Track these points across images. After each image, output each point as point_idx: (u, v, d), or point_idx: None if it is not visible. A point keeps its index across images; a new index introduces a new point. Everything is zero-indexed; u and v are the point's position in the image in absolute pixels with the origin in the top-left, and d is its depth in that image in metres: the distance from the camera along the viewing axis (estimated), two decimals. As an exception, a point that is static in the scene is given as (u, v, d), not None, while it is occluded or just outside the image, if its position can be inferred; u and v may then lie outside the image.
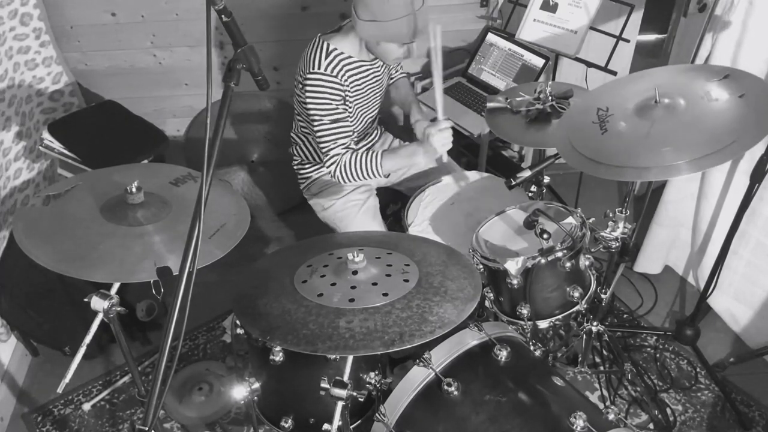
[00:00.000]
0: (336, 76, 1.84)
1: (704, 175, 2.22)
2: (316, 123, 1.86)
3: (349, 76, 1.89)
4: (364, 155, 1.88)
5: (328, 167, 1.91)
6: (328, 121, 1.85)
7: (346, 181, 1.92)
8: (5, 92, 2.36)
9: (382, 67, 2.03)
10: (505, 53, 2.59)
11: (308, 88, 1.83)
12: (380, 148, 2.28)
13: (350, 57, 1.88)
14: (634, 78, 1.67)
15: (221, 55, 2.82)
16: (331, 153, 1.88)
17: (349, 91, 1.90)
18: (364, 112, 2.06)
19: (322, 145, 1.89)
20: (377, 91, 2.06)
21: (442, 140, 1.80)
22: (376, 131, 2.26)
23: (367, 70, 1.96)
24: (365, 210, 2.07)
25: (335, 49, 1.86)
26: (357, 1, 1.74)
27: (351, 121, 1.96)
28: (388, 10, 1.69)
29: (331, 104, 1.84)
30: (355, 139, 2.09)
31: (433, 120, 1.86)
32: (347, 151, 1.88)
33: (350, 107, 1.94)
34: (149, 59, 2.86)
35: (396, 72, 2.25)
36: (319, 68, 1.83)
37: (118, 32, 2.76)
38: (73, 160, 2.41)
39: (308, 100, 1.84)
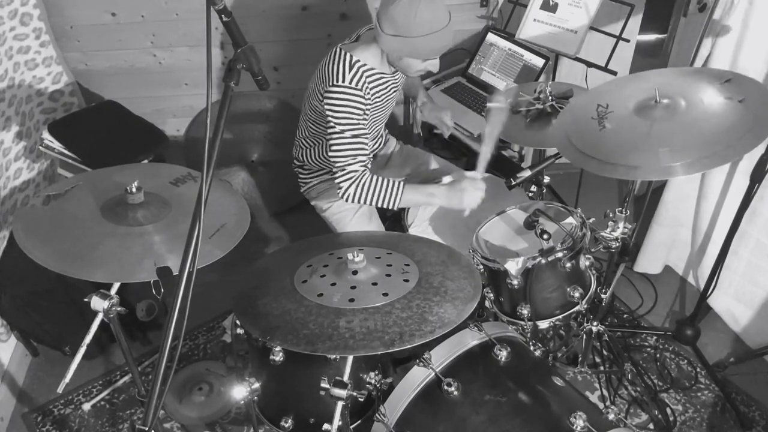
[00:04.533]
0: (360, 90, 1.80)
1: (704, 175, 2.22)
2: (335, 136, 1.80)
3: (372, 88, 1.85)
4: (387, 183, 1.81)
5: (340, 183, 1.82)
6: (349, 136, 1.80)
7: (356, 201, 1.83)
8: (5, 92, 2.36)
9: (400, 79, 2.00)
10: (505, 53, 2.59)
11: (331, 101, 1.79)
12: (384, 152, 2.27)
13: (372, 69, 1.84)
14: (635, 78, 1.67)
15: (221, 55, 2.82)
16: (348, 169, 1.80)
17: (370, 103, 1.86)
18: (377, 121, 2.04)
19: (338, 160, 1.81)
20: (393, 101, 2.04)
21: (473, 198, 1.77)
22: (381, 137, 2.25)
23: (387, 81, 1.92)
24: (360, 214, 2.07)
25: (358, 60, 1.81)
26: (382, 15, 1.71)
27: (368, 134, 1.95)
28: (414, 27, 1.66)
29: (353, 119, 1.80)
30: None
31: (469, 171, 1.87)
32: (366, 171, 1.81)
33: (368, 119, 1.91)
34: (149, 59, 2.86)
35: None
36: (343, 81, 1.78)
37: (118, 32, 2.76)
38: (73, 160, 2.40)
39: (329, 113, 1.80)
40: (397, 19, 1.66)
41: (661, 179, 2.40)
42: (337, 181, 1.83)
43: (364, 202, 1.84)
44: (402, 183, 1.82)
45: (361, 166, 1.82)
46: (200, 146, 0.98)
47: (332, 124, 1.80)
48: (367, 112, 1.85)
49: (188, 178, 1.61)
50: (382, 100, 1.94)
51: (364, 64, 1.82)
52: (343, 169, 1.81)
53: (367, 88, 1.82)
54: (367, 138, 1.84)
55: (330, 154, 1.83)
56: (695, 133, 1.40)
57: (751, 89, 1.44)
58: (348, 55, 1.82)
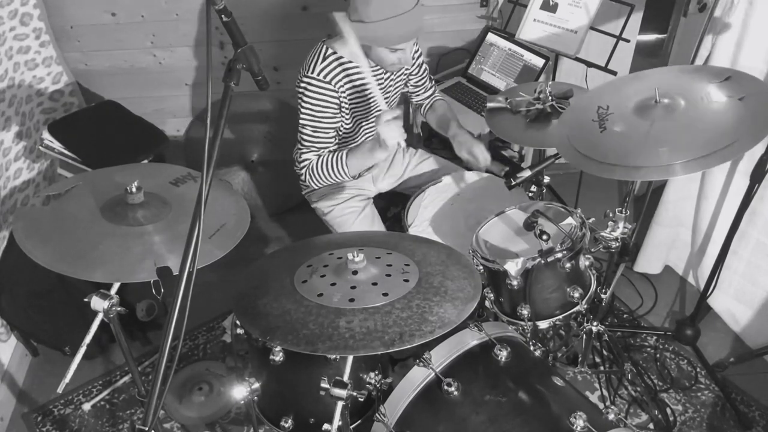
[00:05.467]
0: (329, 82, 1.82)
1: (704, 175, 2.22)
2: (299, 125, 1.87)
3: (346, 81, 1.86)
4: (330, 156, 1.87)
5: (299, 170, 1.94)
6: (310, 129, 1.86)
7: (317, 183, 1.93)
8: (5, 92, 2.36)
9: (386, 76, 1.98)
10: (505, 53, 2.59)
11: (299, 91, 1.84)
12: (384, 163, 2.25)
13: (350, 62, 1.85)
14: (635, 77, 1.67)
15: (221, 55, 2.82)
16: (304, 157, 1.90)
17: (344, 97, 1.87)
18: (367, 122, 2.03)
19: (299, 147, 1.91)
20: (388, 100, 2.02)
21: (390, 133, 1.71)
22: None
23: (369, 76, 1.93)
24: (363, 217, 2.07)
25: (334, 53, 1.83)
26: (349, 1, 1.73)
27: (346, 130, 1.96)
28: (371, 11, 1.66)
29: (317, 111, 1.83)
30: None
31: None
32: (318, 158, 1.89)
33: (346, 114, 1.92)
34: (149, 59, 2.86)
35: (425, 92, 2.20)
36: (312, 72, 1.81)
37: (118, 32, 2.76)
38: (73, 160, 2.40)
39: (299, 103, 1.85)
40: (356, 2, 1.68)
41: (660, 179, 2.40)
42: (298, 169, 1.94)
43: (323, 181, 1.91)
44: (344, 154, 1.86)
45: (315, 155, 1.89)
46: (200, 146, 0.98)
47: (299, 113, 1.86)
48: (344, 106, 1.87)
49: (188, 178, 1.61)
50: (363, 95, 1.93)
51: (340, 56, 1.84)
52: (300, 156, 1.91)
53: (339, 81, 1.84)
54: (330, 132, 1.88)
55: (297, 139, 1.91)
56: (695, 132, 1.40)
57: (751, 87, 1.43)
58: (325, 47, 1.84)
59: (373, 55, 1.81)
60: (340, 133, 1.98)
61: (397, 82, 2.06)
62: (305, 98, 1.83)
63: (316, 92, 1.82)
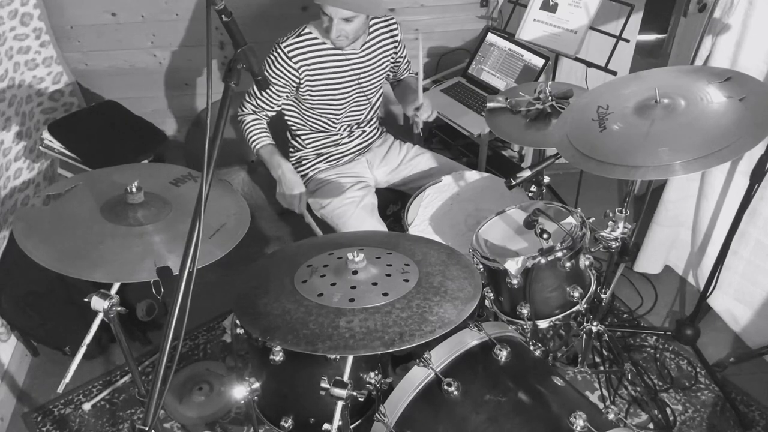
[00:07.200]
0: (291, 59, 1.92)
1: (704, 175, 2.22)
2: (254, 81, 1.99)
3: (313, 62, 1.95)
4: (251, 134, 2.03)
5: (238, 116, 2.09)
6: (258, 87, 1.97)
7: (242, 135, 2.09)
8: (5, 92, 2.36)
9: (365, 61, 2.04)
10: (505, 53, 2.59)
11: (268, 54, 1.95)
12: (380, 149, 2.27)
13: (324, 42, 1.95)
14: (635, 77, 1.67)
15: (221, 55, 2.82)
16: (245, 106, 2.06)
17: (308, 75, 1.95)
18: (339, 106, 2.07)
19: (246, 96, 2.05)
20: (357, 85, 2.07)
21: (283, 198, 2.01)
22: (376, 130, 2.25)
23: (342, 59, 1.99)
24: (362, 207, 2.07)
25: (309, 33, 1.94)
26: None
27: (312, 111, 2.06)
28: None
29: (270, 76, 1.96)
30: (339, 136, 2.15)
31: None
32: (253, 114, 2.05)
33: (312, 94, 2.00)
34: (149, 59, 2.86)
35: (399, 77, 2.28)
36: (283, 44, 1.92)
37: (118, 32, 2.76)
38: (73, 160, 2.40)
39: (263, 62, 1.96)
40: None
41: (660, 179, 2.40)
42: (239, 111, 2.09)
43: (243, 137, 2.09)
44: (263, 143, 2.04)
45: (252, 109, 2.05)
46: (200, 146, 0.98)
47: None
48: (303, 84, 1.97)
49: (188, 178, 1.61)
50: (333, 75, 2.00)
51: (315, 37, 1.94)
52: (242, 103, 2.07)
53: (301, 59, 1.93)
54: (273, 98, 2.02)
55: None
56: (695, 132, 1.40)
57: (752, 87, 1.43)
58: (304, 26, 1.95)
59: (324, 23, 1.87)
60: (321, 127, 2.09)
61: (377, 71, 2.11)
62: (268, 62, 1.96)
63: (278, 62, 1.93)
